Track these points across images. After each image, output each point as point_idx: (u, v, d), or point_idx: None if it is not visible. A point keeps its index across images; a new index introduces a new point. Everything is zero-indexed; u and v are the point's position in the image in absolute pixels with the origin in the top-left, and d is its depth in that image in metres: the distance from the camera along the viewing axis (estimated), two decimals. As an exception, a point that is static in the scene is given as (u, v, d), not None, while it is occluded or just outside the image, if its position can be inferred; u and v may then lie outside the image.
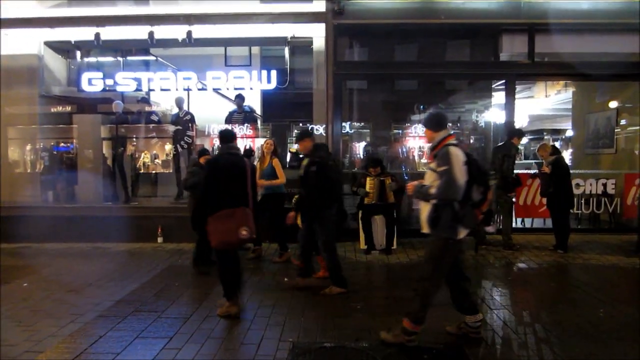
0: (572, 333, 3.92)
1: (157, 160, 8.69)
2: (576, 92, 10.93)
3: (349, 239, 7.40)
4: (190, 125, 8.27)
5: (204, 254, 5.68)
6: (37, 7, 7.98)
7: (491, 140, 9.80)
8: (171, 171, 8.54)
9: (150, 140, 8.73)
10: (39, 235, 7.48)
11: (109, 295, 4.92)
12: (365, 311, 4.43)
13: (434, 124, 3.64)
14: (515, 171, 7.18)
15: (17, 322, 4.17)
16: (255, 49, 9.49)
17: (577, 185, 7.92)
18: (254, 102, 9.22)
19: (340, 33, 7.88)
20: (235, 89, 8.15)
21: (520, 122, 12.72)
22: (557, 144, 14.71)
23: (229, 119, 8.43)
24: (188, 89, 8.29)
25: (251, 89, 8.19)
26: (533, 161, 14.71)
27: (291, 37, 8.12)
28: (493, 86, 9.95)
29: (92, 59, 9.30)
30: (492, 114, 10.26)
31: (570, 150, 12.44)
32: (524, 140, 7.75)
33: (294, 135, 11.24)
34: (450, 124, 9.77)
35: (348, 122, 9.47)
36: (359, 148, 11.07)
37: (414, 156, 9.63)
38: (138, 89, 8.30)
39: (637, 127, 8.82)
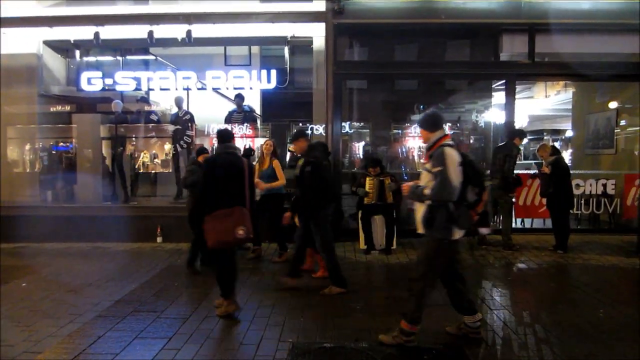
0: (572, 333, 3.91)
1: (156, 160, 8.68)
2: (576, 92, 10.93)
3: (348, 239, 7.40)
4: (189, 124, 8.26)
5: (206, 254, 5.66)
6: (36, 6, 7.96)
7: (491, 141, 9.81)
8: (170, 171, 8.53)
9: (150, 140, 8.72)
10: (38, 235, 7.46)
11: (108, 295, 4.91)
12: (365, 311, 4.42)
13: (430, 124, 3.62)
14: (515, 171, 7.17)
15: (16, 322, 4.15)
16: (255, 49, 9.47)
17: (577, 185, 7.92)
18: (253, 101, 9.21)
19: (340, 33, 7.87)
20: (235, 88, 8.13)
21: (520, 122, 12.73)
22: (557, 145, 14.72)
23: (228, 119, 8.41)
24: (187, 89, 8.27)
25: (251, 88, 8.17)
26: (533, 161, 14.72)
27: (291, 37, 8.10)
28: (493, 86, 9.96)
29: (91, 58, 9.27)
30: (492, 114, 10.27)
31: (570, 151, 12.45)
32: (524, 140, 7.72)
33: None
34: (450, 124, 9.84)
35: (348, 122, 9.47)
36: (359, 148, 11.07)
37: (413, 156, 9.64)
38: (137, 89, 8.28)
39: (637, 128, 8.82)
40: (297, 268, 5.12)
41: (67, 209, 7.91)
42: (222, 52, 9.01)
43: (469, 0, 7.68)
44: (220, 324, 4.17)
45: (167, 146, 8.57)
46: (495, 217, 7.45)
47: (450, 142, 3.52)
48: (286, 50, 8.38)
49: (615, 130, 9.32)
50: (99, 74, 8.21)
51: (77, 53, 8.76)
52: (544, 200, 7.23)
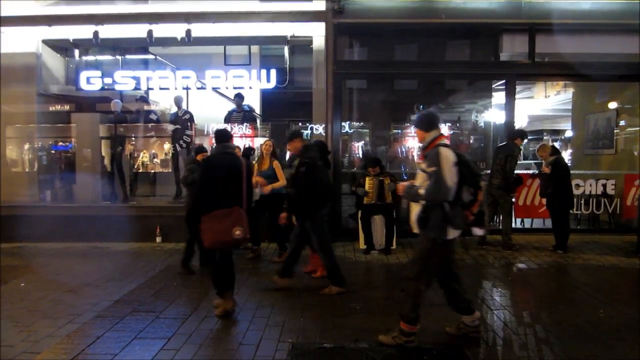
0: (572, 333, 3.91)
1: (155, 160, 8.66)
2: (576, 92, 10.92)
3: (348, 239, 7.39)
4: (189, 124, 8.24)
5: (204, 254, 5.65)
6: (35, 5, 7.93)
7: (491, 141, 9.80)
8: (170, 170, 8.51)
9: (149, 140, 8.70)
10: (37, 235, 7.44)
11: (107, 295, 4.90)
12: (365, 311, 4.41)
13: (425, 124, 3.61)
14: (515, 171, 7.16)
15: (15, 323, 4.14)
16: (255, 48, 9.47)
17: (577, 185, 7.92)
18: (253, 101, 9.19)
19: (340, 32, 7.86)
20: (235, 88, 8.11)
21: (520, 122, 12.72)
22: (557, 145, 14.71)
23: (228, 118, 8.40)
24: (187, 88, 8.25)
25: (250, 88, 8.15)
26: (532, 161, 14.71)
27: (291, 36, 8.08)
28: (493, 86, 9.95)
29: (90, 58, 9.26)
30: (492, 114, 10.26)
31: (569, 151, 12.44)
32: (525, 140, 7.75)
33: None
34: (450, 124, 9.84)
35: (348, 122, 9.46)
36: (359, 148, 11.07)
37: (413, 156, 9.64)
38: (137, 88, 8.26)
39: (637, 128, 8.81)
40: (290, 268, 5.09)
41: (66, 209, 7.89)
42: (222, 51, 9.00)
43: (469, 0, 7.67)
44: (219, 324, 4.16)
45: (167, 146, 8.55)
46: (495, 217, 7.44)
47: (446, 142, 3.51)
48: (286, 49, 8.37)
49: (615, 131, 9.32)
50: (98, 73, 8.19)
51: (76, 52, 8.74)
52: (544, 200, 7.22)
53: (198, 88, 8.14)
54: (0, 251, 6.95)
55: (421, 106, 9.93)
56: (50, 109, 8.86)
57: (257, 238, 6.58)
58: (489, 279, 5.62)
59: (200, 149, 6.11)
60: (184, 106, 8.45)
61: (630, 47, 7.70)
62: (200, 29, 7.76)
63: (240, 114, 8.36)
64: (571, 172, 7.08)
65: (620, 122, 9.29)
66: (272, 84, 7.97)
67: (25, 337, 3.81)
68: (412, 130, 9.43)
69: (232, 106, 8.57)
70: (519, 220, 8.25)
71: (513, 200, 7.44)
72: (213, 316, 4.28)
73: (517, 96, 8.45)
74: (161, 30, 7.78)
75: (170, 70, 8.66)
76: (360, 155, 10.80)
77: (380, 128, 10.95)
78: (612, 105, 9.47)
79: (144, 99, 8.96)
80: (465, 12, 7.68)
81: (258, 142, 8.12)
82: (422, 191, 3.42)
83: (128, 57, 9.23)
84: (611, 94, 9.54)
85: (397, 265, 6.19)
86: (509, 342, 3.76)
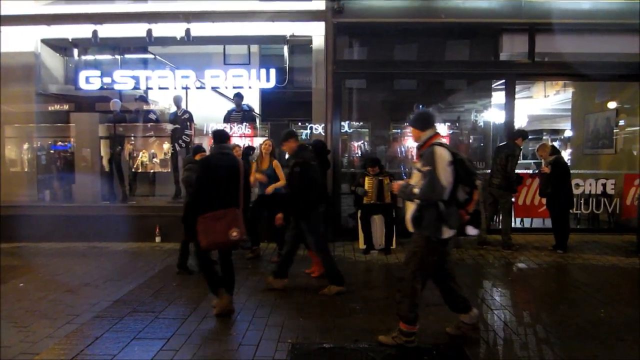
0: (572, 333, 3.91)
1: (155, 159, 8.64)
2: (575, 92, 10.93)
3: (347, 239, 7.38)
4: (188, 124, 8.23)
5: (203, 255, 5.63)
6: (34, 4, 7.91)
7: (491, 140, 9.79)
8: (169, 170, 8.50)
9: (148, 139, 8.68)
10: (36, 235, 7.43)
11: (106, 295, 4.88)
12: (365, 311, 4.40)
13: (421, 123, 3.60)
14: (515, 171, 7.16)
15: (13, 323, 4.12)
16: (254, 48, 9.46)
17: (577, 185, 7.92)
18: (252, 100, 9.19)
19: (340, 32, 7.85)
20: (234, 87, 8.10)
21: (520, 122, 12.72)
22: (556, 144, 14.71)
23: (227, 118, 8.39)
24: (186, 88, 8.23)
25: (250, 87, 8.14)
26: (532, 161, 14.71)
27: (290, 36, 8.07)
28: (493, 86, 9.94)
29: (89, 57, 9.25)
30: (492, 114, 10.25)
31: (569, 151, 12.44)
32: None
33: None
34: (449, 124, 9.83)
35: (347, 122, 9.45)
36: (358, 147, 11.07)
37: (412, 156, 9.62)
38: (136, 88, 8.25)
39: (637, 128, 8.81)
40: (285, 269, 5.08)
41: (65, 209, 7.87)
42: (221, 51, 8.98)
43: (468, 0, 7.66)
44: (219, 324, 4.15)
45: (166, 145, 8.54)
46: (495, 216, 7.44)
47: (441, 141, 3.49)
48: (285, 49, 8.35)
49: (615, 130, 9.32)
50: (97, 72, 8.17)
51: (75, 51, 8.71)
52: (544, 200, 7.22)
53: (197, 87, 8.13)
54: (0, 251, 6.93)
55: (420, 106, 9.91)
56: (49, 108, 8.85)
57: (256, 238, 6.57)
58: (488, 279, 5.61)
59: (198, 149, 6.09)
60: (183, 106, 8.43)
61: (630, 47, 7.71)
62: (199, 29, 7.75)
63: (240, 113, 8.34)
64: (571, 171, 7.07)
65: (620, 121, 9.29)
66: (272, 83, 7.97)
67: (24, 338, 3.80)
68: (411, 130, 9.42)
69: (231, 106, 8.56)
70: (518, 219, 8.25)
71: (513, 199, 7.43)
72: (212, 316, 4.27)
73: (516, 96, 8.45)
74: (160, 29, 7.78)
75: (169, 69, 8.64)
76: (360, 155, 10.79)
77: (379, 128, 10.95)
78: (612, 105, 9.47)
79: (143, 99, 8.94)
80: (465, 12, 7.68)
81: (257, 142, 8.11)
82: (416, 190, 3.41)
83: (127, 56, 9.22)
84: (611, 94, 9.54)
85: (397, 265, 6.18)
86: (509, 342, 3.76)
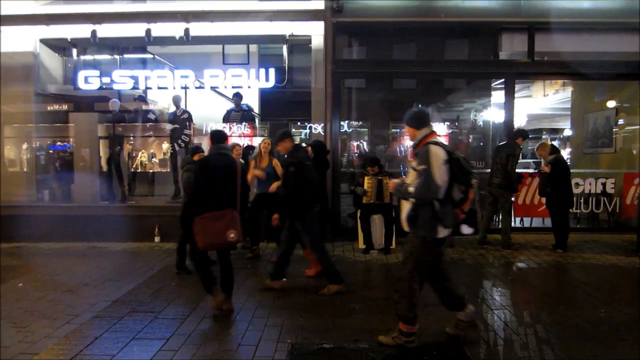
0: (572, 333, 3.90)
1: (154, 159, 8.63)
2: (575, 91, 10.93)
3: (347, 239, 7.38)
4: (187, 123, 8.22)
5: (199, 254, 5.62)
6: (33, 4, 7.90)
7: (490, 140, 9.79)
8: (168, 170, 8.49)
9: (147, 139, 8.67)
10: (35, 235, 7.42)
11: (105, 295, 4.87)
12: (365, 311, 4.40)
13: (416, 122, 3.57)
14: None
15: (12, 323, 4.11)
16: (254, 47, 9.45)
17: (576, 184, 7.92)
18: (251, 100, 9.18)
19: (339, 31, 7.84)
20: (233, 87, 8.09)
21: (519, 121, 12.72)
22: (555, 143, 14.73)
23: (226, 118, 8.37)
24: (185, 87, 8.23)
25: (249, 87, 8.13)
26: (531, 160, 14.72)
27: (290, 35, 8.06)
28: (492, 85, 9.94)
29: (88, 57, 9.24)
30: (491, 113, 10.25)
31: (568, 150, 12.45)
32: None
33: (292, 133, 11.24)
34: (449, 123, 9.83)
35: (346, 121, 9.44)
36: (358, 147, 11.06)
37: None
38: (135, 87, 8.24)
39: (636, 127, 8.81)
40: (281, 270, 5.06)
41: (64, 209, 7.86)
42: (220, 50, 8.97)
43: (468, -1, 7.67)
44: (218, 324, 4.14)
45: (165, 145, 8.53)
46: (495, 216, 7.43)
47: (437, 140, 3.46)
48: (285, 48, 8.34)
49: (614, 129, 9.31)
50: (96, 72, 8.17)
51: (74, 51, 8.70)
52: (544, 199, 7.21)
53: (196, 87, 8.13)
54: (0, 251, 6.92)
55: (420, 105, 9.90)
56: (48, 108, 8.83)
57: (255, 237, 6.56)
58: (488, 278, 5.61)
59: (197, 149, 6.08)
60: (182, 105, 8.43)
61: (630, 46, 7.70)
62: (198, 28, 7.74)
63: (239, 113, 8.33)
64: (571, 171, 7.07)
65: (619, 120, 9.29)
66: (271, 83, 7.96)
67: (23, 338, 3.79)
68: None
69: (230, 105, 8.54)
70: (518, 219, 8.25)
71: (513, 199, 7.43)
72: (212, 316, 4.26)
73: (515, 95, 8.45)
74: (159, 29, 7.77)
75: (168, 69, 8.63)
76: (359, 154, 10.79)
77: (379, 127, 10.95)
78: (611, 104, 9.48)
79: (142, 99, 8.93)
80: (464, 11, 7.67)
81: (257, 142, 8.10)
82: (411, 189, 3.40)
83: (126, 56, 9.21)
84: (610, 93, 9.55)
85: (397, 264, 6.16)
86: (509, 342, 3.75)
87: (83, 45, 8.72)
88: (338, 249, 7.02)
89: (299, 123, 10.59)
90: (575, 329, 3.99)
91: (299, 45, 8.52)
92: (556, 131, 17.88)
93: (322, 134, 7.70)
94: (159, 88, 8.18)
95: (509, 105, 8.02)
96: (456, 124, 10.49)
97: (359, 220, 6.88)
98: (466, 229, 3.52)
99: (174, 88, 8.11)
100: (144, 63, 9.55)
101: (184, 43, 7.86)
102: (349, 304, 4.55)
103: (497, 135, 9.29)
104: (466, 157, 9.00)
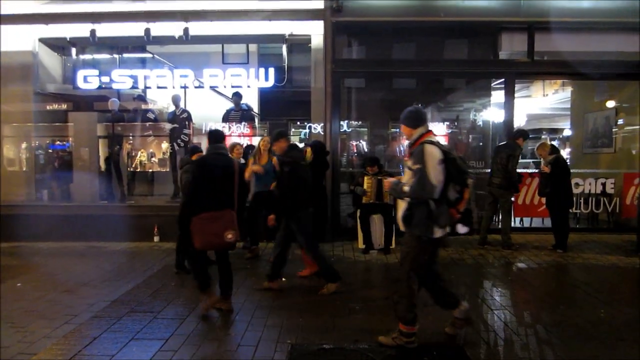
0: (572, 333, 3.89)
1: (153, 159, 8.63)
2: (574, 91, 10.92)
3: (347, 239, 7.37)
4: (187, 123, 8.21)
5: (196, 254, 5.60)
6: (32, 3, 7.87)
7: (490, 140, 9.78)
8: (168, 170, 8.48)
9: (147, 139, 8.66)
10: (34, 235, 7.39)
11: (104, 295, 4.86)
12: (365, 311, 4.39)
13: (412, 121, 3.55)
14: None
15: (11, 323, 4.10)
16: (253, 47, 9.43)
17: (576, 184, 7.92)
18: (251, 100, 9.16)
19: (339, 31, 7.83)
20: (233, 86, 8.08)
21: (518, 121, 12.71)
22: (555, 143, 14.72)
23: (226, 117, 8.37)
24: (185, 87, 8.21)
25: (248, 86, 8.11)
26: (530, 160, 14.70)
27: (289, 35, 8.04)
28: (492, 85, 9.92)
29: (87, 56, 9.21)
30: (491, 113, 10.23)
31: (568, 150, 12.44)
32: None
33: (291, 133, 11.24)
34: (448, 123, 9.81)
35: (346, 121, 9.43)
36: (357, 147, 11.05)
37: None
38: (134, 87, 8.22)
39: (636, 127, 8.81)
40: (278, 271, 5.04)
41: (63, 208, 7.84)
42: (220, 50, 8.96)
43: (467, -2, 7.66)
44: (218, 325, 4.13)
45: (164, 145, 8.52)
46: (495, 216, 7.42)
47: (433, 139, 3.44)
48: (284, 48, 8.31)
49: (614, 129, 9.31)
50: (96, 72, 8.14)
51: (73, 51, 8.67)
52: (543, 199, 7.20)
53: (196, 87, 8.11)
54: (0, 251, 6.90)
55: (420, 105, 9.88)
56: (47, 107, 8.82)
57: (254, 237, 6.54)
58: (488, 279, 5.60)
59: (195, 149, 6.06)
60: (181, 105, 8.42)
61: (629, 46, 7.70)
62: (198, 28, 7.73)
63: (238, 112, 8.32)
64: (570, 171, 7.06)
65: (619, 120, 9.28)
66: (270, 82, 7.95)
67: (22, 338, 3.78)
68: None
69: (230, 105, 8.54)
70: (518, 219, 8.24)
71: (512, 199, 7.42)
72: (211, 317, 4.25)
73: (515, 95, 8.43)
74: (159, 28, 7.75)
75: (168, 68, 8.62)
76: (359, 154, 10.77)
77: (378, 127, 10.92)
78: (611, 103, 9.47)
79: (142, 98, 8.92)
80: (464, 11, 7.66)
81: (256, 142, 8.08)
82: (407, 188, 3.39)
83: (125, 55, 9.20)
84: (610, 93, 9.54)
85: (397, 264, 6.14)
86: (509, 342, 3.74)
87: (82, 44, 8.69)
88: (338, 249, 7.01)
89: (298, 123, 10.56)
90: (575, 329, 3.98)
91: (299, 44, 8.50)
92: (556, 131, 17.86)
93: (322, 133, 7.69)
94: (158, 87, 8.17)
95: (508, 105, 8.02)
96: (456, 123, 10.47)
97: (358, 220, 6.87)
98: (461, 228, 3.50)
99: (174, 87, 8.09)
100: (143, 62, 9.53)
101: (184, 42, 7.85)
102: (349, 304, 4.54)
103: (496, 135, 9.27)
104: (466, 157, 9.11)
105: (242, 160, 6.72)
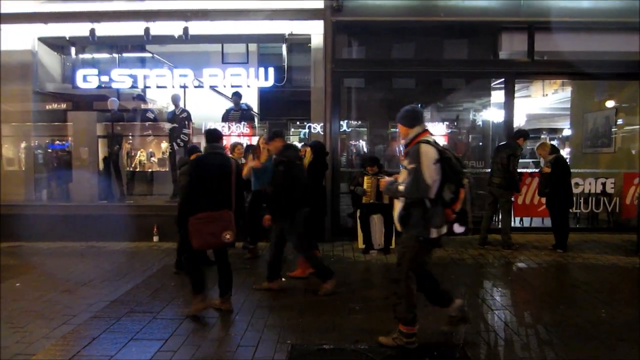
0: (572, 333, 3.89)
1: (153, 159, 8.61)
2: (574, 91, 10.92)
3: (347, 239, 7.36)
4: (186, 123, 8.19)
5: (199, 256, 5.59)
6: (31, 2, 7.85)
7: (490, 140, 9.77)
8: (167, 169, 8.46)
9: (146, 138, 8.65)
10: (33, 234, 7.37)
11: (103, 295, 4.85)
12: (365, 311, 4.38)
13: (409, 120, 3.54)
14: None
15: (10, 323, 4.09)
16: (253, 46, 9.42)
17: (576, 184, 7.91)
18: (251, 99, 9.14)
19: (339, 30, 7.81)
20: (232, 86, 8.07)
21: (518, 121, 12.70)
22: (555, 143, 14.71)
23: (225, 117, 8.35)
24: (184, 86, 8.21)
25: (248, 86, 8.10)
26: (530, 160, 14.69)
27: (289, 34, 8.02)
28: (492, 85, 9.91)
29: (87, 56, 9.20)
30: (491, 113, 10.23)
31: (568, 150, 12.43)
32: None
33: (290, 133, 11.23)
34: (447, 123, 9.80)
35: (346, 121, 9.41)
36: (357, 147, 11.04)
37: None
38: (134, 86, 8.21)
39: (636, 126, 8.80)
40: (276, 271, 5.02)
41: (62, 208, 7.83)
42: (220, 49, 8.94)
43: (467, -2, 7.65)
44: (217, 325, 4.12)
45: (164, 144, 8.50)
46: (495, 216, 7.42)
47: (429, 139, 3.43)
48: (284, 47, 8.30)
49: (614, 129, 9.30)
50: (95, 71, 8.13)
51: (73, 50, 8.66)
52: (543, 199, 7.20)
53: (195, 86, 8.10)
54: (0, 251, 6.88)
55: (419, 105, 9.88)
56: (47, 107, 8.80)
57: (254, 237, 6.52)
58: (488, 279, 5.59)
59: (194, 149, 6.05)
60: (181, 105, 8.40)
61: (629, 45, 7.69)
62: (197, 27, 7.71)
63: (238, 112, 8.31)
64: (571, 170, 7.05)
65: (619, 120, 9.28)
66: (270, 82, 7.94)
67: (20, 338, 3.76)
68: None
69: (229, 105, 8.53)
70: (518, 219, 8.24)
71: (512, 199, 7.41)
72: (211, 317, 4.24)
73: (515, 95, 8.43)
74: (158, 28, 7.74)
75: (167, 68, 8.61)
76: (359, 154, 10.76)
77: (378, 127, 10.90)
78: (611, 103, 9.47)
79: (141, 98, 8.90)
80: (464, 10, 7.66)
81: (255, 142, 8.07)
82: (401, 188, 3.38)
83: (125, 55, 9.19)
84: (610, 93, 9.53)
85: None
86: (509, 342, 3.74)
87: (82, 43, 8.67)
88: (338, 249, 7.00)
89: (298, 122, 10.55)
90: (575, 329, 3.98)
91: (299, 44, 8.49)
92: (555, 131, 17.86)
93: (322, 133, 7.67)
94: (157, 87, 8.16)
95: (508, 105, 8.01)
96: (455, 123, 10.46)
97: (358, 220, 6.86)
98: (458, 228, 3.48)
99: (173, 87, 8.08)
100: (142, 62, 9.52)
101: (183, 42, 7.83)
102: (349, 304, 4.53)
103: (496, 135, 9.26)
104: (466, 156, 9.10)
105: (243, 160, 6.71)
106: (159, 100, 9.53)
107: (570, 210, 7.42)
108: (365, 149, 10.85)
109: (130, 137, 8.59)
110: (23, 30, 8.07)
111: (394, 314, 3.57)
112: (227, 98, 8.83)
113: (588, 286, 5.17)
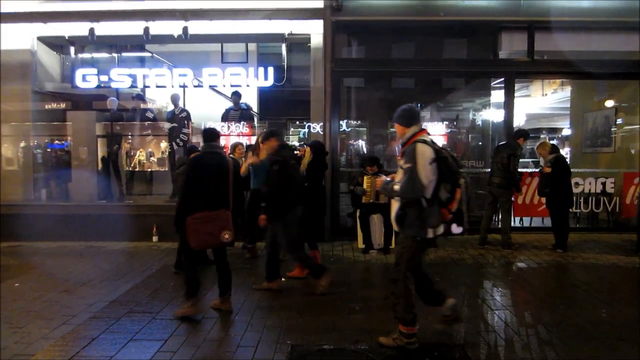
0: (572, 333, 3.89)
1: (152, 158, 8.60)
2: (574, 90, 10.92)
3: (346, 238, 7.35)
4: (186, 122, 8.18)
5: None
6: (31, 1, 7.83)
7: (490, 139, 9.77)
8: (166, 169, 8.45)
9: (146, 138, 8.64)
10: (32, 234, 7.36)
11: (102, 295, 4.84)
12: (365, 311, 4.37)
13: (406, 119, 3.52)
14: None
15: (9, 324, 4.08)
16: (252, 46, 9.40)
17: (576, 184, 7.91)
18: (250, 99, 9.13)
19: (339, 30, 7.80)
20: (232, 86, 8.06)
21: (518, 120, 12.70)
22: (554, 143, 14.71)
23: (225, 117, 8.34)
24: (184, 86, 8.20)
25: (248, 86, 8.09)
26: (530, 160, 14.70)
27: (288, 34, 8.02)
28: (492, 84, 9.90)
29: (86, 55, 9.19)
30: (491, 113, 10.22)
31: (567, 149, 12.43)
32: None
33: (290, 133, 11.23)
34: (447, 122, 9.79)
35: (345, 120, 9.41)
36: (356, 146, 11.03)
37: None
38: (133, 86, 8.20)
39: (636, 126, 8.80)
40: (275, 271, 5.02)
41: (61, 208, 7.81)
42: (219, 49, 8.92)
43: (467, -2, 7.64)
44: (217, 325, 4.11)
45: (163, 144, 8.49)
46: (495, 215, 7.41)
47: (426, 138, 3.41)
48: (283, 47, 8.30)
49: (613, 129, 9.30)
50: (94, 70, 8.12)
51: (72, 49, 8.65)
52: (543, 199, 7.19)
53: (195, 86, 8.10)
54: (0, 250, 6.87)
55: (419, 104, 9.88)
56: (46, 106, 8.79)
57: (253, 236, 6.50)
58: (488, 279, 5.59)
59: (193, 149, 6.03)
60: (180, 104, 8.39)
61: (629, 45, 7.69)
62: (197, 26, 7.70)
63: (238, 112, 8.30)
64: (571, 170, 7.04)
65: (619, 120, 9.27)
66: (270, 82, 7.93)
67: (19, 339, 3.75)
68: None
69: (229, 104, 8.51)
70: (518, 219, 8.23)
71: (512, 199, 7.41)
72: (211, 317, 4.24)
73: (515, 94, 8.42)
74: (158, 27, 7.73)
75: (167, 68, 8.59)
76: (358, 154, 10.75)
77: (378, 126, 10.89)
78: (611, 103, 9.46)
79: (141, 97, 8.89)
80: (463, 10, 7.65)
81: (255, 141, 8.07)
82: (397, 187, 3.38)
83: (124, 54, 9.18)
84: (610, 92, 9.53)
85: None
86: (509, 342, 3.73)
87: (81, 43, 8.65)
88: (337, 248, 6.99)
89: (297, 122, 10.54)
90: (575, 329, 3.98)
91: (298, 44, 8.48)
92: (555, 131, 17.88)
93: (321, 133, 7.67)
94: (157, 86, 8.15)
95: (508, 105, 8.00)
96: (455, 123, 10.45)
97: (358, 220, 6.86)
98: (456, 229, 3.47)
99: (173, 87, 8.07)
100: (142, 61, 9.51)
101: (183, 41, 7.81)
102: (349, 304, 4.52)
103: (496, 134, 9.26)
104: (465, 156, 9.09)
105: (242, 160, 6.69)
106: (159, 100, 9.51)
107: (570, 210, 7.42)
108: (364, 149, 10.84)
109: (129, 136, 8.57)
110: (22, 30, 8.06)
111: (394, 314, 3.57)
112: (226, 98, 8.81)
113: (588, 286, 5.17)
